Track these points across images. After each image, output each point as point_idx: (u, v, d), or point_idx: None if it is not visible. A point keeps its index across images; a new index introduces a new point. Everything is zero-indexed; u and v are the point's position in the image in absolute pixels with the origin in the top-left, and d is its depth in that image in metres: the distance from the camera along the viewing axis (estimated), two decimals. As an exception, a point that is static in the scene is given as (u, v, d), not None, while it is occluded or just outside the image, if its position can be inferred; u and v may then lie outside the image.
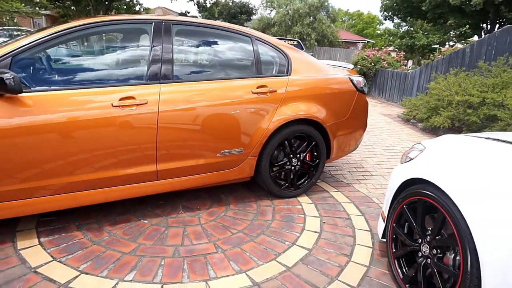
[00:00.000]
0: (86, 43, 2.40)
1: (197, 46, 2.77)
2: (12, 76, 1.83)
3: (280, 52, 2.90)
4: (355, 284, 1.98)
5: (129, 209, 2.64)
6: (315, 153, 3.06)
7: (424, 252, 1.82)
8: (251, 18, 41.71)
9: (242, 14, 41.64)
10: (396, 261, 2.02)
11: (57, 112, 2.06)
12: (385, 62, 9.93)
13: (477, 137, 1.99)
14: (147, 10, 24.82)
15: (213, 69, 2.75)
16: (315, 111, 2.90)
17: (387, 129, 6.11)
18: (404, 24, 30.13)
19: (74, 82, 2.27)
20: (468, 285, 1.49)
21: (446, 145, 2.01)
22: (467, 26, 15.95)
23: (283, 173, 2.98)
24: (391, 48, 32.34)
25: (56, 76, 2.26)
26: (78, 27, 2.20)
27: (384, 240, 2.18)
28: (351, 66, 3.27)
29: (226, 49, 2.80)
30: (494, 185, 1.49)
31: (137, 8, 22.97)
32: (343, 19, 46.75)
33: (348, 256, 2.24)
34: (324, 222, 2.65)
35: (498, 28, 15.18)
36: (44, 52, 2.23)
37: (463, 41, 28.95)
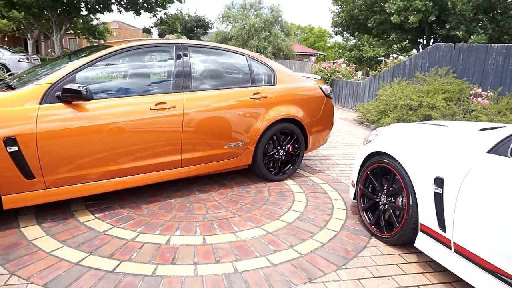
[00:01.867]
0: (127, 61, 3.03)
1: (207, 62, 3.50)
2: (85, 87, 2.46)
3: (267, 67, 3.72)
4: (337, 229, 2.80)
5: (155, 193, 3.27)
6: (296, 145, 3.89)
7: (382, 201, 2.69)
8: (207, 32, 42.58)
9: (199, 28, 42.42)
10: (364, 212, 2.87)
11: (110, 114, 2.70)
12: (339, 73, 11.17)
13: (416, 121, 2.93)
14: (104, 24, 24.73)
15: (219, 80, 3.50)
16: (295, 112, 3.74)
17: (346, 130, 7.14)
18: (352, 38, 32.43)
19: (121, 91, 2.90)
20: (411, 214, 2.37)
21: (393, 128, 2.91)
22: (407, 41, 17.90)
23: (272, 161, 3.77)
24: (341, 59, 34.77)
25: (108, 87, 2.88)
26: (123, 49, 2.87)
27: (355, 200, 3.04)
28: (319, 77, 4.10)
29: (228, 64, 3.57)
30: (422, 150, 2.39)
31: (94, 22, 22.87)
32: (296, 32, 49.04)
33: (329, 215, 3.07)
34: (308, 196, 3.46)
35: (433, 42, 17.27)
36: (98, 69, 2.85)
37: (404, 54, 31.74)
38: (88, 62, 2.71)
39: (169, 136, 2.98)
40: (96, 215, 2.79)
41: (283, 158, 3.80)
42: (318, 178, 4.03)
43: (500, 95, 5.50)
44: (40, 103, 2.46)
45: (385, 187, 2.68)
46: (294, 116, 3.71)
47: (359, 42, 33.13)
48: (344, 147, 5.69)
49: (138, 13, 15.73)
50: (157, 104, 2.89)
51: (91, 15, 17.84)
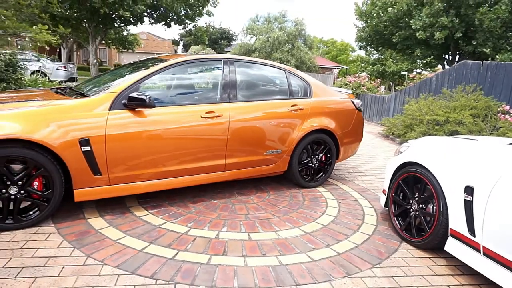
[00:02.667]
0: (181, 73, 3.38)
1: (250, 76, 3.81)
2: (148, 96, 2.79)
3: (304, 81, 4.00)
4: (370, 233, 3.01)
5: (198, 194, 3.57)
6: (328, 155, 4.12)
7: (413, 208, 2.89)
8: (231, 43, 43.49)
9: (223, 39, 43.42)
10: (395, 218, 3.07)
11: (167, 120, 3.03)
12: (364, 87, 11.36)
13: (442, 135, 3.12)
14: (134, 35, 25.70)
15: (260, 92, 3.80)
16: (328, 123, 3.99)
17: (372, 143, 7.31)
18: (375, 52, 32.39)
19: (176, 100, 3.24)
20: (441, 220, 2.56)
21: (424, 141, 3.12)
22: (432, 56, 17.91)
23: (306, 169, 4.02)
24: (363, 74, 34.80)
25: (165, 96, 3.22)
26: (178, 63, 3.21)
27: (386, 207, 3.24)
28: (350, 91, 4.34)
29: (268, 78, 3.87)
30: (452, 160, 2.59)
31: (124, 33, 23.85)
32: (318, 46, 49.42)
33: (361, 220, 3.28)
34: (340, 202, 3.68)
35: (458, 58, 17.22)
36: (157, 80, 3.20)
37: (428, 69, 31.54)
38: (150, 74, 3.06)
39: (216, 142, 3.28)
40: (150, 211, 3.10)
41: (316, 166, 4.04)
42: (348, 186, 4.24)
43: (528, 113, 5.59)
44: (109, 109, 2.81)
45: (416, 195, 2.88)
46: (327, 127, 3.96)
47: (382, 57, 33.08)
48: (371, 159, 5.87)
49: (168, 26, 16.45)
50: (207, 112, 3.20)
51: (124, 27, 18.70)
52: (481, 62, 6.82)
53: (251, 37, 34.73)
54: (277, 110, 3.66)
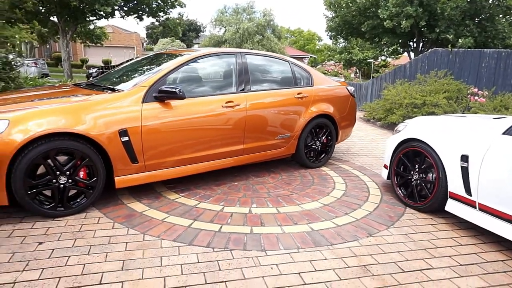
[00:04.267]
0: (200, 67, 3.63)
1: (260, 67, 4.11)
2: (179, 89, 3.05)
3: (305, 71, 4.37)
4: (377, 202, 3.45)
5: (218, 178, 3.86)
6: (329, 138, 4.53)
7: (414, 178, 3.35)
8: (199, 35, 43.10)
9: (191, 31, 42.94)
10: (398, 188, 3.53)
11: (193, 111, 3.29)
12: (342, 76, 11.93)
13: (436, 115, 3.61)
14: (101, 29, 25.01)
15: (270, 82, 4.12)
16: (328, 109, 4.38)
17: (356, 127, 7.81)
18: (342, 41, 33.17)
19: (198, 92, 3.50)
20: (441, 185, 3.03)
21: (420, 120, 3.58)
22: (398, 44, 18.85)
23: (310, 151, 4.40)
24: (331, 62, 35.74)
25: (188, 88, 3.46)
26: (198, 57, 3.47)
27: (388, 180, 3.70)
28: (343, 79, 4.77)
29: (275, 69, 4.20)
30: (448, 134, 3.06)
31: (91, 27, 23.15)
32: (286, 35, 49.95)
33: (367, 192, 3.72)
34: (344, 179, 4.11)
35: (422, 45, 18.24)
36: (179, 73, 3.43)
37: (393, 57, 32.79)
38: (174, 68, 3.31)
39: (235, 128, 3.59)
40: (181, 194, 3.37)
41: (319, 148, 4.44)
42: (347, 165, 4.68)
43: (494, 94, 6.27)
44: (142, 102, 3.04)
45: (417, 167, 3.34)
46: (328, 112, 4.36)
47: (349, 45, 34.04)
48: (359, 141, 6.37)
49: (140, 19, 16.23)
50: (227, 102, 3.49)
51: (95, 21, 18.20)
52: (450, 49, 7.48)
53: (220, 29, 34.63)
54: (285, 98, 4.01)
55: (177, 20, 18.78)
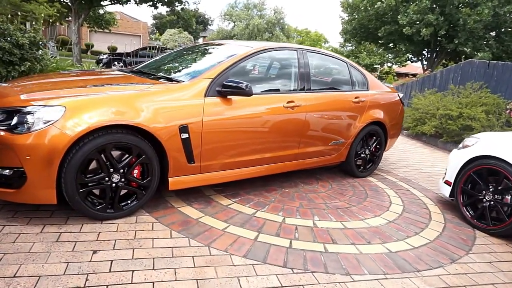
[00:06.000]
0: (262, 62, 3.33)
1: (319, 66, 3.82)
2: (246, 84, 2.74)
3: (362, 74, 4.08)
4: (443, 221, 3.19)
5: (266, 183, 3.56)
6: (377, 146, 4.25)
7: (487, 198, 3.08)
8: (207, 28, 42.62)
9: (198, 24, 42.43)
10: (464, 207, 3.27)
11: (253, 109, 2.99)
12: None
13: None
14: (111, 14, 24.59)
15: (328, 83, 3.83)
16: (382, 116, 4.11)
17: (381, 134, 7.58)
18: (348, 44, 32.93)
19: (259, 89, 3.19)
20: (524, 209, 2.77)
21: (497, 136, 3.31)
22: (412, 52, 18.65)
23: (359, 160, 4.12)
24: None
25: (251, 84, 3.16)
26: (260, 51, 3.16)
27: (451, 198, 3.43)
28: (392, 85, 4.52)
29: (333, 69, 3.91)
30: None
31: (101, 11, 22.71)
32: (292, 35, 49.63)
33: (426, 209, 3.45)
34: (396, 192, 3.84)
35: (435, 55, 18.04)
36: (240, 68, 3.12)
37: (399, 64, 32.56)
38: (237, 61, 2.99)
39: (294, 131, 3.30)
40: (233, 200, 3.07)
41: (367, 157, 4.16)
42: (391, 176, 4.41)
43: (535, 110, 6.04)
44: (204, 96, 2.73)
45: (491, 187, 3.07)
46: (381, 120, 4.08)
47: (356, 49, 33.80)
48: (392, 150, 6.11)
49: (155, 7, 15.82)
50: (288, 102, 3.19)
51: (108, 5, 17.79)
52: (488, 61, 7.24)
53: (229, 23, 34.31)
54: (343, 101, 3.72)
55: (193, 12, 18.34)
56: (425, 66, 18.40)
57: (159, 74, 3.08)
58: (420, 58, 19.26)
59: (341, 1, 19.30)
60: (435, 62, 18.25)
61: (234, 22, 33.07)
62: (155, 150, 2.56)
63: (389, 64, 38.29)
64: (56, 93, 2.38)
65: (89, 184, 2.36)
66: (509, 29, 15.35)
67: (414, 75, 20.26)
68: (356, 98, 3.82)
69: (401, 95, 4.53)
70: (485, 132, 3.62)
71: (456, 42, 14.92)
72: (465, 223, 3.23)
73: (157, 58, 3.92)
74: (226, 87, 2.75)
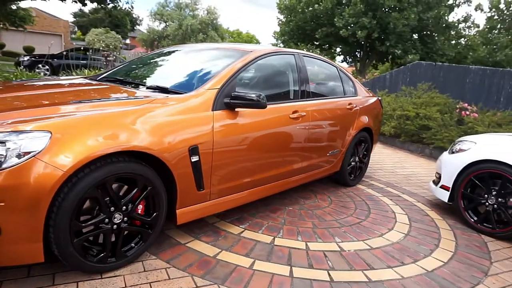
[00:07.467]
0: (262, 68, 2.94)
1: (314, 72, 3.55)
2: (260, 95, 2.36)
3: (349, 79, 3.94)
4: (448, 228, 3.16)
5: (266, 201, 3.21)
6: (365, 152, 4.16)
7: (490, 202, 3.12)
8: (135, 28, 40.37)
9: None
10: (466, 212, 3.28)
11: (262, 121, 2.64)
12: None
13: (502, 134, 3.45)
14: (26, 10, 21.96)
15: (323, 89, 3.59)
16: (370, 121, 4.02)
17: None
18: (282, 45, 33.47)
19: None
20: (532, 212, 2.83)
21: (495, 138, 3.37)
22: (347, 53, 19.58)
23: (350, 168, 3.98)
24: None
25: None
26: (264, 54, 2.82)
27: (449, 203, 3.43)
28: (367, 88, 4.47)
29: (326, 75, 3.68)
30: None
31: (13, 7, 20.15)
32: (224, 36, 49.36)
33: (427, 215, 3.42)
34: (391, 199, 3.76)
35: (367, 57, 19.16)
36: (243, 75, 2.72)
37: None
38: (241, 68, 2.61)
39: (299, 143, 3.02)
40: (242, 226, 2.69)
41: (357, 164, 4.04)
42: (375, 182, 4.36)
43: (480, 109, 6.54)
44: (212, 110, 2.32)
45: (494, 190, 3.11)
46: (369, 125, 3.99)
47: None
48: (361, 152, 6.15)
49: (83, 3, 14.33)
50: (293, 112, 2.90)
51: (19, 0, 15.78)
52: (434, 63, 7.71)
53: (160, 23, 32.82)
54: (339, 108, 3.53)
55: (127, 10, 17.03)
56: (352, 65, 19.43)
57: (152, 85, 2.55)
58: (352, 59, 20.31)
59: (277, 3, 19.53)
60: (367, 63, 19.39)
61: (165, 22, 31.70)
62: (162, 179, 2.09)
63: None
64: (32, 113, 1.79)
65: (84, 231, 1.82)
66: (429, 33, 16.87)
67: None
68: (349, 104, 3.67)
69: (379, 98, 4.50)
70: (479, 135, 3.70)
71: (388, 44, 15.97)
72: (468, 227, 3.24)
73: (126, 63, 3.35)
74: (236, 99, 2.36)
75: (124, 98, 2.24)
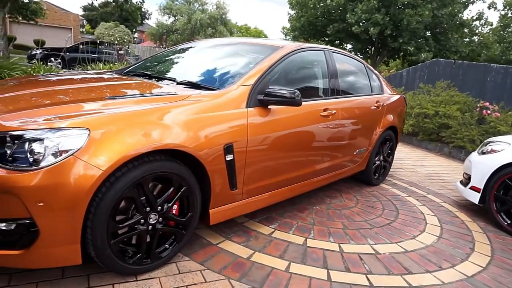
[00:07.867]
0: (292, 64, 2.84)
1: (343, 68, 3.45)
2: (296, 92, 2.27)
3: (376, 76, 3.84)
4: (480, 231, 3.06)
5: (293, 200, 3.12)
6: (389, 151, 4.06)
7: (525, 205, 3.02)
8: (143, 22, 40.35)
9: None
10: (499, 215, 3.18)
11: (294, 119, 2.55)
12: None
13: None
14: (38, 4, 22.00)
15: (352, 86, 3.48)
16: (395, 119, 3.91)
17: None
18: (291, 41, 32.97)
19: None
20: None
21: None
22: (358, 50, 19.31)
23: (375, 167, 3.89)
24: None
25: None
26: (291, 52, 2.71)
27: (480, 205, 3.33)
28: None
29: (354, 71, 3.58)
30: None
31: (25, 0, 20.20)
32: (232, 31, 49.17)
33: (457, 217, 3.32)
34: (418, 199, 3.67)
35: (378, 54, 18.89)
36: (275, 71, 2.63)
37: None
38: (273, 64, 2.52)
39: (329, 141, 2.94)
40: (271, 226, 2.62)
41: (382, 164, 3.95)
42: (398, 181, 4.26)
43: (502, 109, 6.38)
44: (246, 107, 2.25)
45: (529, 193, 3.01)
46: (395, 123, 3.89)
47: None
48: (379, 151, 6.05)
49: (94, -3, 14.31)
50: (324, 109, 2.81)
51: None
52: (453, 60, 7.55)
53: (169, 17, 32.68)
54: (367, 106, 3.44)
55: (138, 5, 16.95)
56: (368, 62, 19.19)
57: (182, 80, 2.47)
58: (363, 55, 20.04)
59: (289, -2, 19.30)
60: (378, 60, 19.13)
61: (174, 16, 31.57)
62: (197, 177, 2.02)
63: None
64: (67, 109, 1.73)
65: (120, 232, 1.76)
66: (443, 30, 16.58)
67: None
68: (377, 102, 3.57)
69: (404, 95, 4.39)
70: (510, 135, 3.59)
71: (401, 41, 15.71)
72: (501, 230, 3.14)
73: (150, 57, 3.28)
74: (270, 96, 2.28)
75: (157, 94, 2.17)
